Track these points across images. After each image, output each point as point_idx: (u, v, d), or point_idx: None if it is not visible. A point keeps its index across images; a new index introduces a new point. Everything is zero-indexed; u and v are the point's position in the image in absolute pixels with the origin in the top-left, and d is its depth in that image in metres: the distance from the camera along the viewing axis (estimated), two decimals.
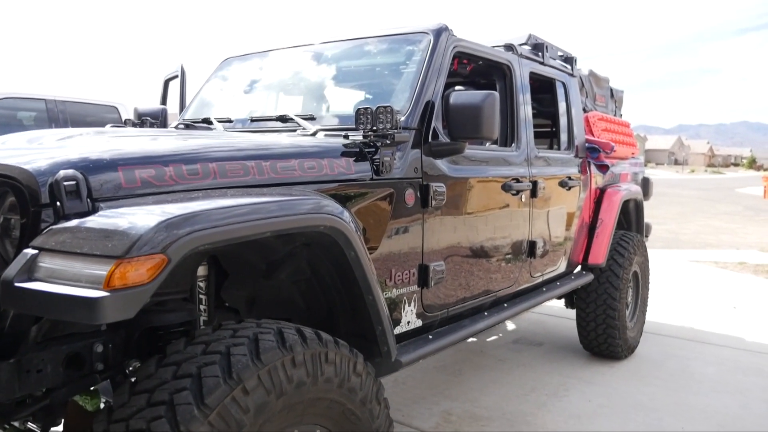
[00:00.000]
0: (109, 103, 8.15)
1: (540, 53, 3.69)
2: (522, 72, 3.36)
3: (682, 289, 6.84)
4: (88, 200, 1.51)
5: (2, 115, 7.05)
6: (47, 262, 1.41)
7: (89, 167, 1.57)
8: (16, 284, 1.38)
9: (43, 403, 1.73)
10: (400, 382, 3.83)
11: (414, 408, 3.51)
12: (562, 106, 3.91)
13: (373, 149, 2.29)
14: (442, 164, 2.61)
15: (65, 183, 1.49)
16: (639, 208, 4.93)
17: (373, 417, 1.88)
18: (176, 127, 3.23)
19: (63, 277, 1.38)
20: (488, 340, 4.86)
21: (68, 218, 1.47)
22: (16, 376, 1.62)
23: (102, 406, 1.94)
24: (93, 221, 1.45)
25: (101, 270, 1.34)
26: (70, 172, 1.51)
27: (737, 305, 6.15)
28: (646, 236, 5.14)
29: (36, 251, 1.43)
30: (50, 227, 1.47)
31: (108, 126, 2.77)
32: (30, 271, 1.40)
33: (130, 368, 1.82)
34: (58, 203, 1.49)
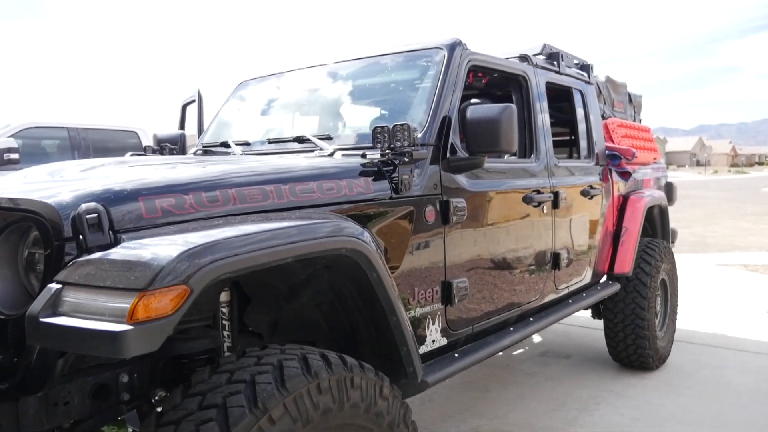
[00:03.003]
0: (130, 128, 8.28)
1: (555, 62, 3.65)
2: (538, 82, 3.33)
3: (711, 295, 6.69)
4: (110, 232, 1.52)
5: (27, 145, 7.20)
6: (71, 297, 1.41)
7: (110, 199, 1.58)
8: (42, 319, 1.38)
9: None
10: (427, 399, 3.79)
11: (442, 426, 3.46)
12: (580, 114, 3.86)
13: (392, 167, 2.28)
14: (462, 179, 2.59)
15: (87, 216, 1.50)
16: (664, 214, 4.84)
17: None
18: (195, 153, 3.26)
19: (87, 311, 1.38)
20: (514, 353, 4.79)
21: (91, 251, 1.48)
22: (44, 410, 1.63)
23: None
24: (115, 254, 1.45)
25: (124, 303, 1.34)
26: (92, 205, 1.52)
27: None
28: (672, 242, 5.04)
29: (60, 285, 1.43)
30: (74, 261, 1.47)
31: (128, 155, 2.80)
32: (55, 305, 1.41)
33: (156, 397, 1.82)
34: (80, 236, 1.49)
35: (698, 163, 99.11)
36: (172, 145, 3.33)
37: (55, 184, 1.79)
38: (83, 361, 1.72)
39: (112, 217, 1.54)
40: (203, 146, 3.28)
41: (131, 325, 1.32)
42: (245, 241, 1.57)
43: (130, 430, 1.93)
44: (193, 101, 3.79)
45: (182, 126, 3.84)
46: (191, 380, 1.58)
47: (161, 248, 1.44)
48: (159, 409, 1.69)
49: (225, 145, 3.09)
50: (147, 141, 7.79)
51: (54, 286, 1.44)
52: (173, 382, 1.83)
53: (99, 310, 1.37)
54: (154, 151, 3.30)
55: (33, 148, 7.40)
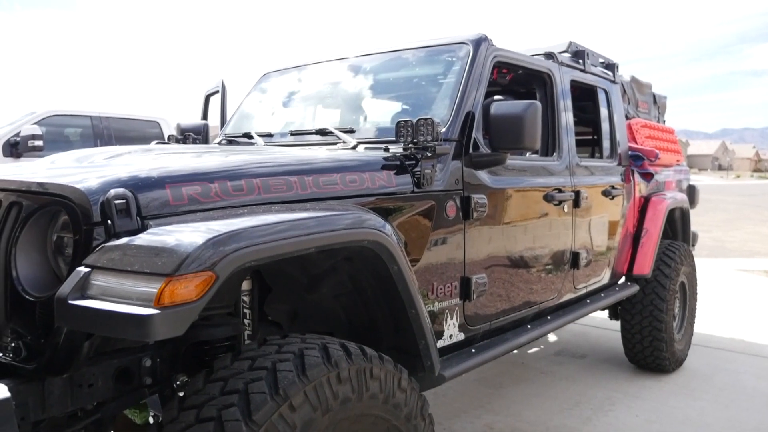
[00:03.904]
0: (152, 118, 8.36)
1: (581, 60, 3.63)
2: (563, 80, 3.31)
3: (730, 300, 6.61)
4: (138, 218, 1.54)
5: (50, 132, 7.30)
6: (99, 280, 1.43)
7: (138, 185, 1.60)
8: (70, 302, 1.41)
9: (94, 417, 1.77)
10: (441, 395, 3.79)
11: (455, 422, 3.47)
12: (603, 114, 3.83)
13: (414, 162, 2.28)
14: (483, 175, 2.58)
15: (116, 201, 1.52)
16: (685, 216, 4.79)
17: None
18: (219, 143, 3.29)
19: (115, 294, 1.40)
20: (530, 352, 4.77)
21: (119, 236, 1.50)
22: (69, 391, 1.66)
23: (150, 419, 1.97)
24: (143, 239, 1.47)
25: (152, 288, 1.36)
26: (121, 190, 1.55)
27: None
28: (693, 245, 4.99)
29: (88, 269, 1.46)
30: (102, 245, 1.50)
31: (153, 143, 2.83)
32: (83, 288, 1.43)
33: (178, 382, 1.84)
34: (109, 221, 1.52)
35: (720, 167, 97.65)
36: (195, 135, 3.37)
37: (84, 170, 1.81)
38: (107, 344, 1.75)
39: (139, 204, 1.57)
40: (226, 137, 3.31)
41: (158, 309, 1.34)
42: (269, 231, 1.59)
43: (152, 413, 1.96)
44: (217, 92, 3.81)
45: (205, 116, 3.88)
46: (213, 366, 1.61)
47: (187, 235, 1.46)
48: (181, 394, 1.72)
49: (247, 136, 3.11)
50: (169, 131, 7.86)
51: (83, 269, 1.46)
52: (194, 368, 1.86)
53: (126, 294, 1.39)
54: (177, 141, 3.34)
55: (56, 136, 7.50)
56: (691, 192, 5.12)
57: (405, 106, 2.99)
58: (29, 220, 1.70)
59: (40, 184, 1.72)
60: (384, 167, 2.22)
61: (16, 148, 6.70)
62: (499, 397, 3.84)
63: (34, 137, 6.58)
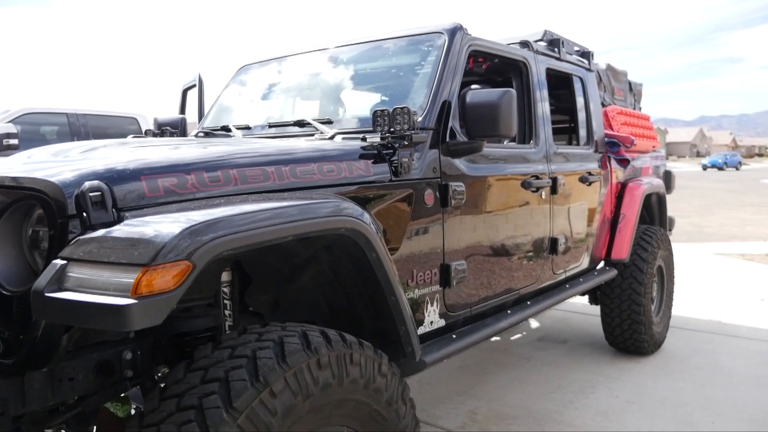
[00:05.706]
0: (129, 114, 8.27)
1: (556, 49, 3.66)
2: (538, 68, 3.34)
3: (707, 283, 6.73)
4: (113, 210, 1.54)
5: (25, 130, 7.17)
6: (76, 272, 1.43)
7: (113, 178, 1.60)
8: (47, 294, 1.41)
9: (75, 411, 1.77)
10: (425, 382, 3.83)
11: (439, 408, 3.51)
12: (579, 102, 3.88)
13: (391, 151, 2.30)
14: (461, 163, 2.61)
15: (91, 194, 1.52)
16: (662, 201, 4.87)
17: (399, 417, 1.88)
18: (196, 136, 3.27)
19: (91, 286, 1.40)
20: (512, 338, 4.84)
21: (94, 228, 1.50)
22: (49, 385, 1.66)
23: (132, 412, 1.98)
24: (119, 230, 1.47)
25: (128, 278, 1.37)
26: (95, 183, 1.54)
27: (765, 297, 6.04)
28: (670, 230, 5.08)
29: (64, 262, 1.45)
30: (77, 238, 1.49)
31: (130, 137, 2.82)
32: (59, 281, 1.43)
33: (159, 374, 1.85)
34: (84, 214, 1.51)
35: (698, 154, 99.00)
36: (172, 129, 3.35)
37: (58, 164, 1.80)
38: (87, 338, 1.75)
39: (115, 196, 1.56)
40: (204, 130, 3.30)
41: (135, 299, 1.35)
42: (247, 219, 1.60)
43: (134, 406, 1.97)
44: (194, 86, 3.79)
45: (183, 111, 3.85)
46: (194, 356, 1.61)
47: (164, 225, 1.46)
48: (162, 385, 1.72)
49: (225, 129, 3.10)
50: (147, 127, 7.77)
51: (59, 262, 1.46)
52: (176, 360, 1.86)
53: (103, 285, 1.39)
54: (154, 135, 3.31)
55: (32, 134, 7.38)
56: (668, 177, 5.21)
57: (384, 97, 3.00)
58: (3, 215, 1.69)
59: (14, 179, 1.71)
60: (361, 156, 2.24)
61: None
62: (483, 383, 3.89)
63: (9, 135, 6.46)
